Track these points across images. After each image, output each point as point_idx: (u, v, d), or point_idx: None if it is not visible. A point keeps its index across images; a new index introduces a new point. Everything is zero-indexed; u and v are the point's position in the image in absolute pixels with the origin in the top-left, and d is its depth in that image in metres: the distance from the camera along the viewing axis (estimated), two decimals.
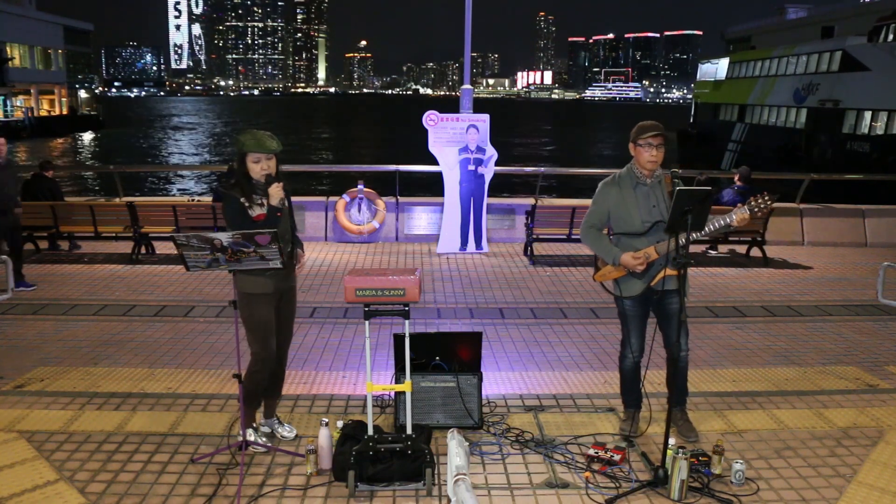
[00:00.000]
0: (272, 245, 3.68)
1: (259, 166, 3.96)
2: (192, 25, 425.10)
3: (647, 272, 4.13)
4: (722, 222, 4.03)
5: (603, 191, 4.23)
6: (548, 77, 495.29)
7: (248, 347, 4.19)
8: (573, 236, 9.67)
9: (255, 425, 4.28)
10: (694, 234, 4.01)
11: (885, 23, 31.81)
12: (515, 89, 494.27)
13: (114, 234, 9.78)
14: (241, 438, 4.01)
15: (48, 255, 9.57)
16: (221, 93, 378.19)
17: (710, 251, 10.20)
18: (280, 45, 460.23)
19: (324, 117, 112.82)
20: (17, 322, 6.64)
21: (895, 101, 28.09)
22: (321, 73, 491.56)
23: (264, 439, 4.22)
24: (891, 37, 31.24)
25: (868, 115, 29.78)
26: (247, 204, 3.97)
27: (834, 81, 32.73)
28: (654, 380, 5.14)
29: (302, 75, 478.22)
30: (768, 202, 4.01)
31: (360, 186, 10.67)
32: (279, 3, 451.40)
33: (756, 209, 4.03)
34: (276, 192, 3.92)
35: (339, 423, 4.22)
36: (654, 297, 4.21)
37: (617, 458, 4.04)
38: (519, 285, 8.29)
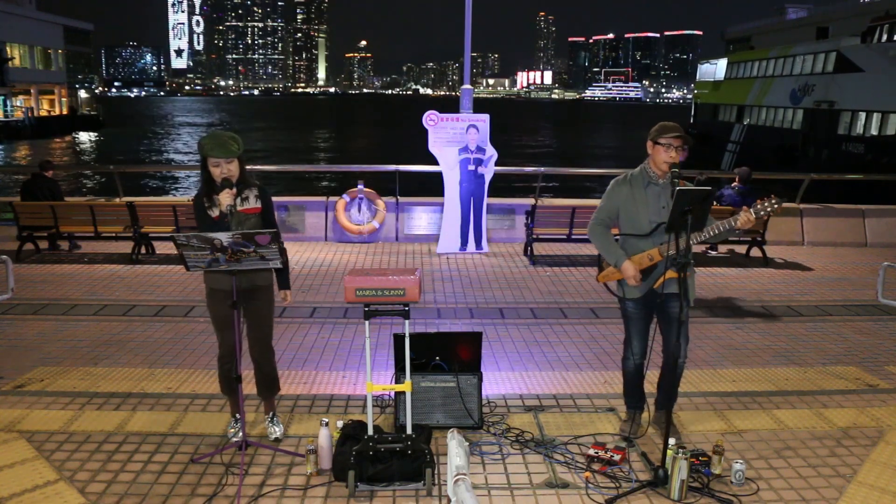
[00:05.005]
0: (272, 245, 3.68)
1: (218, 170, 3.99)
2: (192, 24, 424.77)
3: (650, 275, 4.11)
4: (726, 226, 3.91)
5: (614, 188, 4.20)
6: (548, 77, 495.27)
7: None
8: (573, 236, 9.66)
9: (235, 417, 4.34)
10: (697, 237, 3.96)
11: (879, 23, 31.86)
12: (515, 89, 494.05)
13: (114, 234, 9.77)
14: (238, 438, 4.02)
15: (48, 255, 9.57)
16: (221, 93, 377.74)
17: (710, 251, 10.21)
18: (280, 45, 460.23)
19: (324, 117, 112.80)
20: (17, 322, 6.64)
21: (889, 102, 28.09)
22: (321, 73, 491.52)
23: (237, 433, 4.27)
24: (884, 37, 31.26)
25: (862, 115, 29.80)
26: (207, 204, 4.04)
27: (829, 82, 32.76)
28: (655, 380, 5.13)
29: (302, 75, 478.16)
30: (775, 205, 3.86)
31: (360, 186, 10.67)
32: (279, 3, 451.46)
33: (762, 212, 3.88)
34: (223, 198, 3.93)
35: (339, 423, 4.22)
36: (657, 299, 4.18)
37: (617, 458, 4.05)
38: (519, 285, 8.29)
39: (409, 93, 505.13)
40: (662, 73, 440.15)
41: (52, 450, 4.16)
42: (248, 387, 4.57)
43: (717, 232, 3.96)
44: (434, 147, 9.79)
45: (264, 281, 4.22)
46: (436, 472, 3.93)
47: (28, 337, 6.21)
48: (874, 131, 29.04)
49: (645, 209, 4.08)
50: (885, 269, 6.66)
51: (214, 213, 4.02)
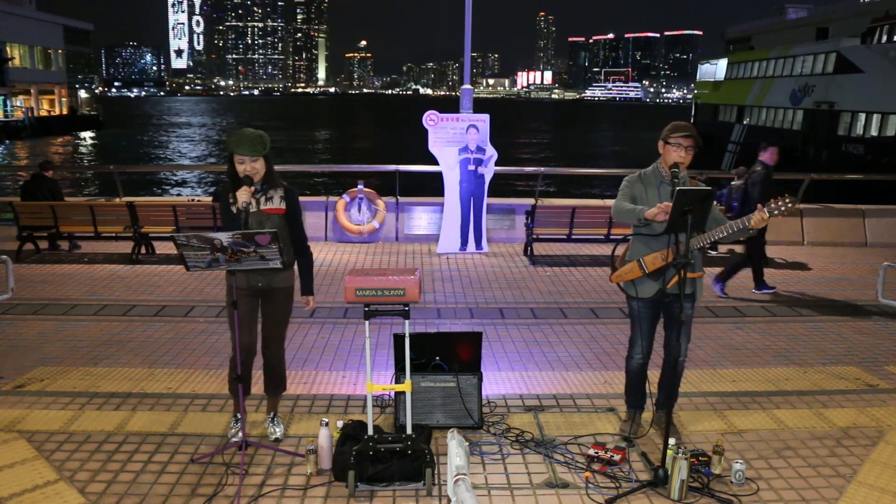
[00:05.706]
0: (272, 245, 3.68)
1: (243, 167, 4.00)
2: (192, 24, 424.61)
3: (663, 275, 4.11)
4: (740, 225, 3.89)
5: (628, 185, 4.21)
6: (548, 77, 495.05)
7: None
8: (573, 236, 9.67)
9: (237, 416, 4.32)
10: (711, 238, 3.96)
11: (879, 24, 31.85)
12: (515, 89, 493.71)
13: (114, 234, 9.78)
14: (238, 438, 4.02)
15: (48, 255, 9.57)
16: (221, 93, 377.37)
17: (710, 251, 10.21)
18: (280, 45, 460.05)
19: (324, 117, 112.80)
20: (17, 322, 6.64)
21: (888, 104, 28.07)
22: (321, 73, 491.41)
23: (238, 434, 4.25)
24: (884, 38, 31.26)
25: (862, 116, 29.80)
26: (231, 200, 4.04)
27: (829, 83, 32.76)
28: (655, 380, 5.13)
29: (302, 75, 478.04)
30: (788, 204, 3.78)
31: (360, 186, 10.68)
32: (279, 3, 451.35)
33: (776, 211, 3.80)
34: (239, 195, 3.94)
35: (339, 423, 4.22)
36: (665, 300, 4.20)
37: (617, 458, 4.05)
38: (519, 285, 8.29)
39: (409, 93, 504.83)
40: (662, 73, 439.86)
41: (52, 450, 4.16)
42: (258, 387, 4.59)
43: (730, 231, 3.95)
44: (434, 147, 9.79)
45: (281, 283, 4.20)
46: (436, 472, 3.93)
47: (28, 337, 6.21)
48: (874, 132, 29.04)
49: None
50: (885, 269, 6.66)
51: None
